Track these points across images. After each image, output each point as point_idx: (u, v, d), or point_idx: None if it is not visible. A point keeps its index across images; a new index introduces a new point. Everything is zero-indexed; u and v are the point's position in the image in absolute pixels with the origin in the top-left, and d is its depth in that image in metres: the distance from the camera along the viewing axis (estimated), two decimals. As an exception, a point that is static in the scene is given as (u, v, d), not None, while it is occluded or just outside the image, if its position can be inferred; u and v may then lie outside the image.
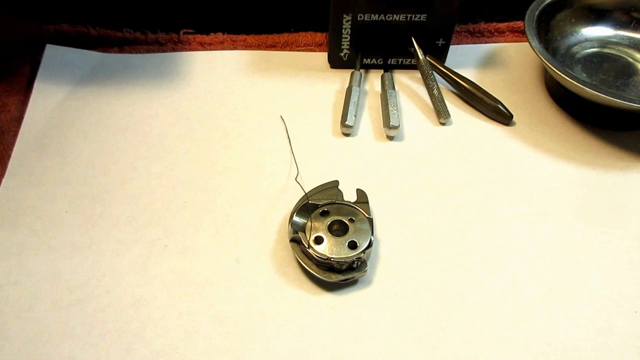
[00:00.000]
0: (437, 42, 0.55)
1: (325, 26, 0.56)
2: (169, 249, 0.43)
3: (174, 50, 0.59)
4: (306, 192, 0.44)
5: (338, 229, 0.42)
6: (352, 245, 0.40)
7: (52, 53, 0.57)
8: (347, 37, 0.54)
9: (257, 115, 0.52)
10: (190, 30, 0.60)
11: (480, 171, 0.49)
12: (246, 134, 0.51)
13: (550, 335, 0.39)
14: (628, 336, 0.39)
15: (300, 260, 0.41)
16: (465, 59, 0.58)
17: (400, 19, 0.53)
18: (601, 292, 0.41)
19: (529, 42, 0.51)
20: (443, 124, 0.53)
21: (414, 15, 0.52)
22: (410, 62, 0.57)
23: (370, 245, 0.40)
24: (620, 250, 0.44)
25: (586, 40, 0.57)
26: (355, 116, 0.52)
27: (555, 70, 0.48)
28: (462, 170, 0.49)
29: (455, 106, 0.54)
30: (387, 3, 0.51)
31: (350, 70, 0.56)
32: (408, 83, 0.56)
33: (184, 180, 0.47)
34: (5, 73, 0.55)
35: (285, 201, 0.46)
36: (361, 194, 0.45)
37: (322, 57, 0.58)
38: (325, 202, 0.43)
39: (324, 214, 0.42)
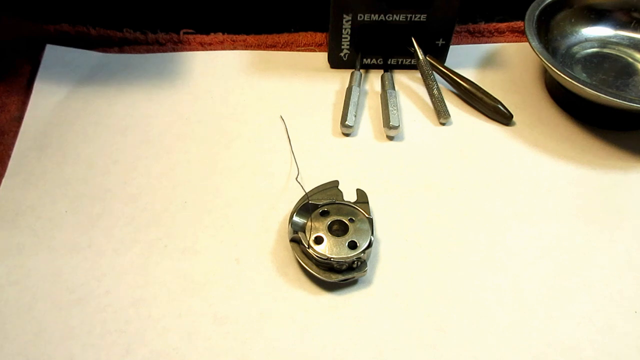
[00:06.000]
0: (437, 42, 0.55)
1: (325, 26, 0.56)
2: (169, 249, 0.43)
3: (174, 50, 0.59)
4: (306, 192, 0.44)
5: (338, 229, 0.42)
6: (352, 245, 0.40)
7: (52, 53, 0.57)
8: (347, 37, 0.54)
9: (257, 115, 0.52)
10: (190, 30, 0.60)
11: (480, 171, 0.49)
12: (246, 134, 0.51)
13: (550, 335, 0.39)
14: (628, 336, 0.39)
15: (300, 260, 0.41)
16: (465, 59, 0.58)
17: (400, 19, 0.53)
18: (601, 292, 0.41)
19: (529, 42, 0.51)
20: (443, 124, 0.53)
21: (414, 15, 0.52)
22: (410, 62, 0.57)
23: (370, 245, 0.40)
24: (620, 250, 0.44)
25: (586, 40, 0.57)
26: (355, 116, 0.52)
27: (555, 70, 0.48)
28: (462, 170, 0.49)
29: (455, 106, 0.54)
30: (387, 3, 0.51)
31: (350, 70, 0.56)
32: (408, 83, 0.56)
33: (184, 180, 0.47)
34: (5, 73, 0.55)
35: (285, 201, 0.46)
36: (361, 194, 0.45)
37: (322, 57, 0.58)
38: (325, 202, 0.43)
39: (324, 214, 0.42)
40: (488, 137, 0.52)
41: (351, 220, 0.42)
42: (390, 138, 0.51)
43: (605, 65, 0.55)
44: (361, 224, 0.42)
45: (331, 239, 0.40)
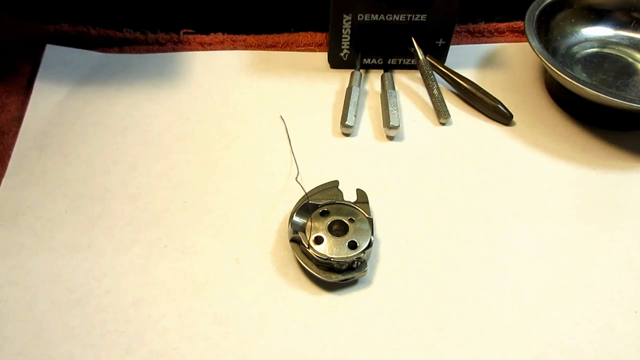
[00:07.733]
0: (437, 42, 0.55)
1: (325, 26, 0.56)
2: (169, 249, 0.43)
3: (174, 50, 0.59)
4: (306, 192, 0.44)
5: (338, 229, 0.42)
6: (352, 245, 0.40)
7: (52, 53, 0.57)
8: (347, 37, 0.54)
9: (257, 115, 0.52)
10: (190, 30, 0.60)
11: (480, 171, 0.49)
12: (246, 134, 0.51)
13: (550, 335, 0.39)
14: (628, 336, 0.39)
15: (300, 260, 0.41)
16: (465, 59, 0.58)
17: (400, 19, 0.53)
18: (601, 292, 0.41)
19: (529, 42, 0.51)
20: (443, 124, 0.53)
21: (414, 15, 0.52)
22: (410, 62, 0.57)
23: (370, 245, 0.40)
24: (620, 250, 0.44)
25: (586, 40, 0.57)
26: (355, 116, 0.52)
27: (555, 70, 0.48)
28: (462, 170, 0.49)
29: (455, 106, 0.54)
30: (387, 3, 0.51)
31: (350, 70, 0.56)
32: (408, 83, 0.56)
33: (184, 180, 0.47)
34: (5, 73, 0.55)
35: (285, 201, 0.46)
36: (361, 194, 0.45)
37: (322, 57, 0.58)
38: (325, 202, 0.43)
39: (324, 214, 0.42)
40: (488, 137, 0.52)
41: (351, 220, 0.42)
42: (390, 138, 0.51)
43: (605, 65, 0.55)
44: (361, 224, 0.42)
45: (331, 239, 0.40)
